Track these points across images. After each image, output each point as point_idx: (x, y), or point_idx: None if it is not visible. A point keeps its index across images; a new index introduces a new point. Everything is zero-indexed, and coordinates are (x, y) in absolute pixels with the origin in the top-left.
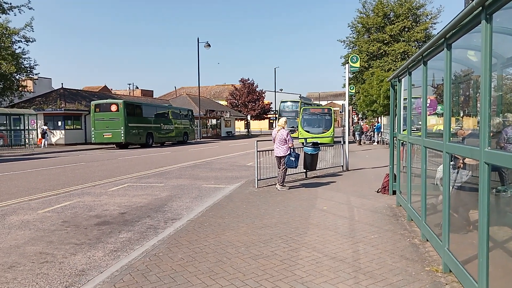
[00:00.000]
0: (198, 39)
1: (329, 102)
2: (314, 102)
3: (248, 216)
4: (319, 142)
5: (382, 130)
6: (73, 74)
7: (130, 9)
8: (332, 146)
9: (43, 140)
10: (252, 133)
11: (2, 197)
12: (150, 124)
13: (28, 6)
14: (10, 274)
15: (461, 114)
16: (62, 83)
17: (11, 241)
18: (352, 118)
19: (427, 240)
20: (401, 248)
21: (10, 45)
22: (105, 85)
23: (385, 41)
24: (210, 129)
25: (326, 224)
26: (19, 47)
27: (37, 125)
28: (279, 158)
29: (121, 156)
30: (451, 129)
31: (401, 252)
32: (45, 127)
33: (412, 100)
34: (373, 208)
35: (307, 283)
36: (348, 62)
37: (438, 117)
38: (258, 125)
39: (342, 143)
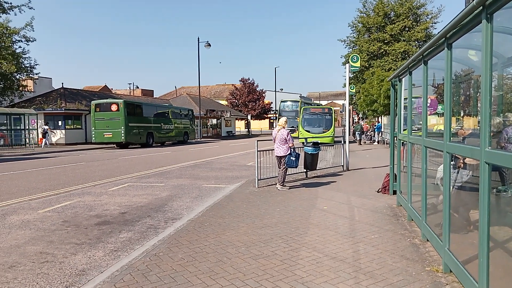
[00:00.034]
0: (198, 38)
1: (329, 101)
2: (314, 101)
3: (248, 216)
4: (319, 141)
5: (382, 130)
6: (74, 73)
7: (130, 9)
8: (333, 146)
9: (44, 139)
10: (252, 133)
11: (3, 197)
12: (151, 123)
13: (28, 6)
14: (10, 274)
15: (462, 114)
16: (62, 83)
17: (12, 241)
18: (353, 117)
19: (428, 240)
20: (402, 248)
21: (10, 44)
22: (106, 85)
23: (386, 41)
24: (211, 128)
25: (326, 224)
26: (20, 47)
27: (37, 124)
28: (280, 158)
29: (122, 156)
30: (452, 129)
31: (401, 252)
32: (46, 127)
33: (412, 99)
34: (373, 208)
35: (307, 283)
36: (348, 62)
37: (438, 116)
38: (258, 125)
39: (342, 142)
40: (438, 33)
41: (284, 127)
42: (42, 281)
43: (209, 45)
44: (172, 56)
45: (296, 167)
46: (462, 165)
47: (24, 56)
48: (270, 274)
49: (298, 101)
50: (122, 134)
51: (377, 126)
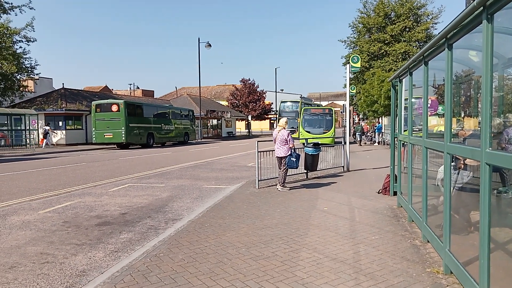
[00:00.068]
0: (199, 39)
1: (330, 102)
2: (314, 102)
3: (248, 217)
4: (320, 142)
5: (383, 131)
6: (74, 74)
7: (131, 9)
8: (333, 146)
9: (45, 140)
10: (253, 134)
11: (3, 197)
12: (151, 124)
13: (29, 6)
14: (11, 274)
15: (462, 115)
16: (63, 83)
17: (12, 242)
18: (353, 118)
19: (428, 241)
20: (402, 249)
21: (11, 45)
22: (106, 85)
23: (386, 41)
24: (211, 129)
25: (327, 225)
26: (20, 47)
27: (38, 125)
28: (280, 159)
29: (122, 156)
30: (452, 130)
31: (402, 253)
32: (48, 128)
33: (413, 100)
34: (374, 209)
35: (307, 284)
36: (349, 62)
37: (439, 117)
38: (259, 126)
39: (342, 143)
40: (439, 33)
41: (284, 128)
42: (43, 281)
43: (210, 45)
44: (172, 56)
45: (296, 168)
46: (462, 166)
47: (24, 56)
48: (270, 275)
49: (298, 101)
50: (123, 135)
51: (378, 127)
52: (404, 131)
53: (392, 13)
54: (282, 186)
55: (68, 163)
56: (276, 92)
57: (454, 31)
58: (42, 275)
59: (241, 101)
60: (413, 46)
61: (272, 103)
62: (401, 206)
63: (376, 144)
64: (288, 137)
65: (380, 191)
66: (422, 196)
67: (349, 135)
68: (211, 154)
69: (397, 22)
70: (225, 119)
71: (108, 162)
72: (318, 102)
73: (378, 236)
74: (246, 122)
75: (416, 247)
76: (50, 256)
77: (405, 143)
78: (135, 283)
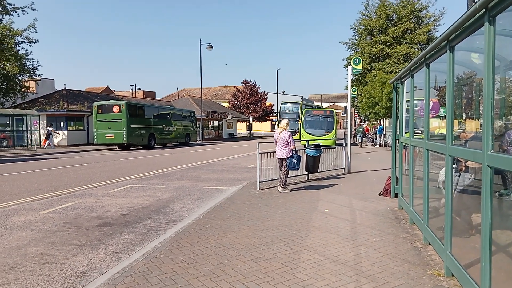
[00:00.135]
0: (200, 40)
1: (331, 104)
2: (316, 104)
3: (249, 218)
4: (321, 144)
5: (384, 133)
6: (76, 75)
7: (132, 10)
8: (334, 148)
9: (48, 141)
10: (254, 135)
11: (5, 198)
12: (152, 125)
13: (31, 7)
14: (11, 275)
15: (464, 117)
16: (64, 84)
17: (13, 242)
18: (354, 120)
19: (429, 244)
20: (403, 251)
21: (13, 46)
22: (108, 86)
23: (388, 43)
24: (212, 130)
25: (327, 227)
26: (22, 48)
27: (39, 126)
28: (281, 160)
29: (123, 157)
30: (454, 132)
31: (403, 256)
32: (50, 129)
33: (414, 102)
34: (375, 211)
35: (308, 286)
36: (350, 64)
37: (440, 119)
38: (260, 127)
39: (344, 145)
40: (441, 35)
41: (285, 129)
42: (43, 282)
43: (211, 47)
44: (174, 57)
45: (297, 169)
46: (463, 168)
47: (26, 57)
48: (271, 276)
49: (299, 103)
50: (124, 136)
51: (379, 129)
52: (406, 133)
53: (394, 15)
54: (283, 187)
55: (69, 163)
56: (277, 93)
57: (456, 33)
58: (43, 276)
59: (242, 103)
60: (415, 48)
61: (273, 105)
62: (402, 208)
63: (377, 146)
64: (289, 138)
65: (381, 193)
66: (423, 198)
67: (350, 137)
68: (212, 155)
69: (398, 24)
70: (226, 121)
71: (109, 163)
72: (320, 104)
73: (379, 238)
74: (247, 124)
75: (417, 249)
76: (50, 257)
77: (407, 145)
78: (136, 284)
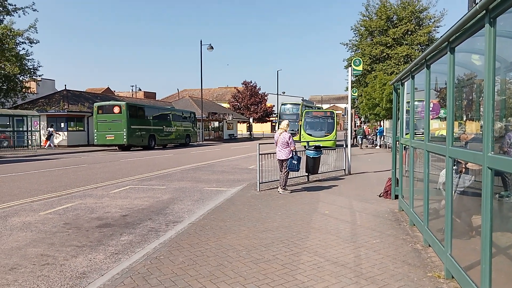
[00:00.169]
0: (201, 41)
1: (331, 105)
2: (316, 105)
3: (249, 220)
4: (321, 145)
5: (384, 134)
6: (77, 75)
7: (133, 10)
8: (334, 149)
9: (48, 142)
10: (254, 136)
11: (4, 199)
12: (153, 126)
13: (32, 8)
14: (11, 276)
15: (464, 118)
16: (65, 85)
17: (13, 243)
18: (355, 121)
19: (430, 246)
20: (403, 253)
21: (14, 46)
22: (108, 87)
23: (388, 44)
24: (213, 131)
25: (328, 229)
26: (23, 49)
27: (40, 126)
28: (281, 161)
29: (123, 158)
30: (454, 134)
31: (403, 258)
32: (51, 129)
33: (415, 103)
34: (375, 212)
35: None
36: (351, 65)
37: (441, 121)
38: (260, 128)
39: (344, 146)
40: (441, 37)
41: (286, 131)
42: (43, 283)
43: (212, 47)
44: (174, 58)
45: (297, 170)
46: (464, 170)
47: (27, 58)
48: (271, 278)
49: (299, 104)
50: (124, 137)
51: (379, 130)
52: (406, 134)
53: (394, 16)
54: (283, 188)
55: (69, 164)
56: (277, 94)
57: (457, 35)
58: (42, 277)
59: (242, 104)
60: (415, 50)
61: (274, 106)
62: (403, 210)
63: (378, 147)
64: (289, 139)
65: (382, 195)
66: (424, 200)
67: (351, 138)
68: (213, 156)
69: (399, 25)
70: (226, 122)
71: (110, 164)
72: (320, 105)
73: (379, 240)
74: (248, 125)
75: (417, 251)
76: (50, 258)
77: (407, 147)
78: (135, 286)
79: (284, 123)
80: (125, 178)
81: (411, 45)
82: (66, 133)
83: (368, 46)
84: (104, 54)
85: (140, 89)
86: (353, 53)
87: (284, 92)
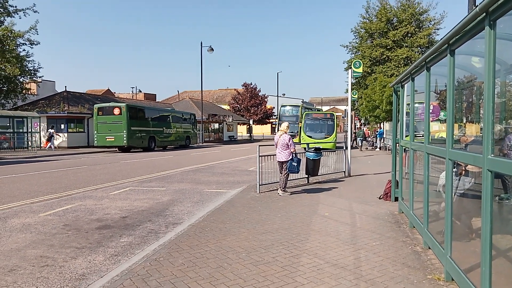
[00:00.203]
0: (201, 43)
1: (331, 107)
2: (316, 107)
3: (249, 222)
4: (321, 147)
5: (384, 136)
6: (77, 77)
7: (133, 12)
8: (334, 151)
9: (49, 143)
10: (254, 138)
11: (4, 200)
12: (153, 127)
13: (33, 9)
14: (10, 277)
15: (464, 121)
16: (65, 86)
17: (12, 244)
18: (355, 123)
19: (429, 248)
20: (403, 255)
21: (14, 47)
22: (108, 89)
23: (388, 47)
24: (213, 133)
25: (327, 231)
26: (24, 50)
27: (40, 127)
28: (281, 163)
29: (123, 160)
30: (454, 136)
31: (403, 260)
32: (52, 131)
33: (415, 106)
34: (375, 214)
35: None
36: (351, 67)
37: (440, 123)
38: (260, 130)
39: (344, 148)
40: (441, 39)
41: (286, 132)
42: (42, 285)
43: (212, 49)
44: (175, 60)
45: (297, 172)
46: (464, 172)
47: (28, 59)
48: (270, 280)
49: (298, 105)
50: (124, 138)
51: (379, 132)
52: (406, 136)
53: (394, 18)
54: (283, 190)
55: (69, 166)
56: (278, 96)
57: (456, 37)
58: (42, 279)
59: (242, 105)
60: (415, 52)
61: (274, 108)
62: (402, 212)
63: (378, 149)
64: (289, 141)
65: (381, 197)
66: (424, 202)
67: (351, 140)
68: (213, 158)
69: (399, 27)
70: (226, 123)
71: (110, 165)
72: (320, 107)
73: (379, 242)
74: (248, 126)
75: (417, 253)
76: (50, 259)
77: (407, 149)
78: None
79: (284, 125)
80: (125, 180)
81: (411, 47)
82: (66, 134)
83: (368, 48)
84: (104, 55)
85: (140, 91)
86: (353, 55)
87: (284, 94)
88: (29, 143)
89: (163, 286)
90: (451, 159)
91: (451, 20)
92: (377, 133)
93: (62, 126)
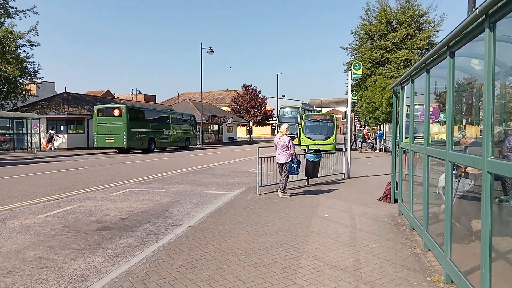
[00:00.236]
0: (201, 44)
1: (331, 108)
2: (316, 108)
3: (249, 223)
4: (321, 149)
5: (384, 138)
6: (77, 78)
7: (133, 13)
8: (334, 153)
9: (50, 144)
10: (254, 139)
11: (4, 201)
12: (153, 129)
13: (33, 11)
14: (9, 279)
15: (464, 123)
16: (65, 87)
17: (11, 246)
18: (355, 125)
19: (429, 250)
20: (403, 257)
21: (14, 49)
22: (108, 90)
23: (388, 49)
24: (212, 134)
25: (327, 232)
26: (24, 51)
27: (39, 129)
28: (281, 165)
29: (123, 161)
30: (454, 138)
31: (402, 262)
32: (52, 132)
33: (414, 107)
34: (374, 216)
35: None
36: (351, 69)
37: (440, 125)
38: (260, 131)
39: (344, 150)
40: (441, 41)
41: (285, 134)
42: (41, 287)
43: (212, 51)
44: (175, 61)
45: (297, 174)
46: (463, 174)
47: (28, 60)
48: (270, 282)
49: (298, 107)
50: (124, 139)
51: (379, 134)
52: (406, 138)
53: (394, 20)
54: (283, 192)
55: (69, 167)
56: (277, 98)
57: (456, 39)
58: (41, 280)
59: (242, 107)
60: (415, 54)
61: (273, 109)
62: (402, 214)
63: (377, 151)
64: (289, 143)
65: (381, 199)
66: (423, 204)
67: (350, 142)
68: (212, 159)
69: (399, 29)
70: (226, 125)
71: (109, 167)
72: (320, 109)
73: (379, 244)
74: (248, 128)
75: (417, 255)
76: (49, 261)
77: (406, 151)
78: None
79: (284, 127)
80: (124, 181)
81: (411, 49)
82: (66, 135)
83: (368, 50)
84: (104, 56)
85: (140, 92)
86: (353, 57)
87: (284, 96)
88: (29, 144)
89: None
90: (450, 161)
91: (451, 22)
92: (376, 134)
93: (62, 127)
